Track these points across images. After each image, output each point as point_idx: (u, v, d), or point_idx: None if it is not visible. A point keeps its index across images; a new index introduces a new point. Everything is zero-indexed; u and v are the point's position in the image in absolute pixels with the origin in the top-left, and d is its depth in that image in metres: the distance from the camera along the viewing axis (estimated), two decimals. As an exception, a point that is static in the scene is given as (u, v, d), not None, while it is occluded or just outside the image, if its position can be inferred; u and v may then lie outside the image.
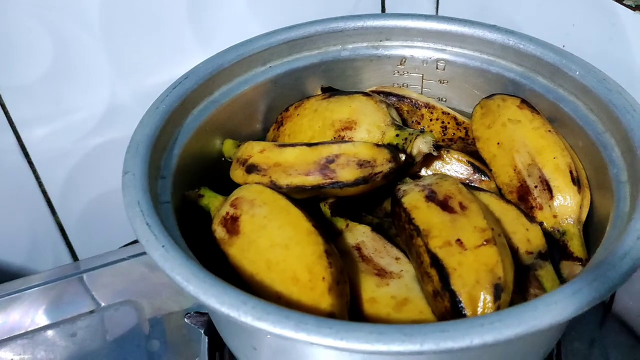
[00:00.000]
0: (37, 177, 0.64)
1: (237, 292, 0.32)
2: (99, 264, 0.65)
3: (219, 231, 0.42)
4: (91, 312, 0.60)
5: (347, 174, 0.43)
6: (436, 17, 0.54)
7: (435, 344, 0.29)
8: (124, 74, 0.62)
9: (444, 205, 0.40)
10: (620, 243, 0.34)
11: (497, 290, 0.35)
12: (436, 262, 0.37)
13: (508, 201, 0.45)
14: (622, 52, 0.50)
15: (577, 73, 0.47)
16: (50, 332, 0.58)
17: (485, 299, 0.35)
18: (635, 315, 0.54)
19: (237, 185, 0.45)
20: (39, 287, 0.62)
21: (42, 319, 0.59)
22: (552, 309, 0.30)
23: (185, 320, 0.54)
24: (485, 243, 0.37)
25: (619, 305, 0.55)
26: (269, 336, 0.32)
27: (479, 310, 0.35)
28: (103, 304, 0.61)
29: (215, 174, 0.50)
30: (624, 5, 0.49)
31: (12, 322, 0.59)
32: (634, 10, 0.48)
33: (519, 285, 0.42)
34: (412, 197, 0.41)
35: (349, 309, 0.38)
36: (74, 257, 0.71)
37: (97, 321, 0.59)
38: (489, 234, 0.37)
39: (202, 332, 0.54)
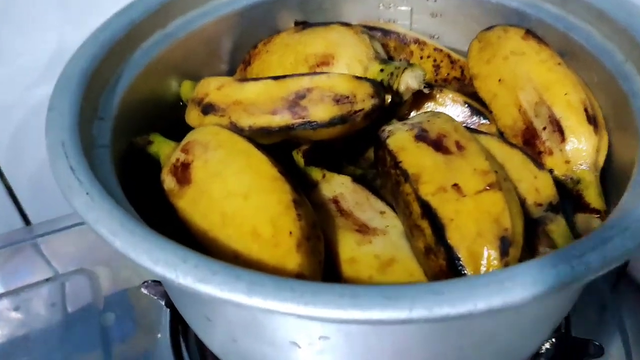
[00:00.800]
0: (-23, 134, 0.57)
1: (176, 247, 0.25)
2: (53, 229, 0.59)
3: (168, 181, 0.35)
4: (44, 281, 0.53)
5: (321, 111, 0.36)
6: (426, -62, 0.47)
7: (428, 309, 0.22)
8: (72, 13, 0.54)
9: (437, 145, 0.33)
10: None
11: (504, 245, 0.29)
12: (428, 211, 0.30)
13: (512, 145, 0.38)
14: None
15: (592, -5, 0.40)
16: (-4, 303, 0.52)
17: (489, 256, 0.28)
18: (652, 278, 0.48)
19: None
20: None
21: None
22: (579, 263, 0.24)
23: (143, 290, 0.47)
24: (488, 188, 0.30)
25: (634, 268, 0.49)
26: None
27: (482, 269, 0.28)
28: (55, 273, 0.54)
29: (173, 120, 0.43)
30: None
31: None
32: None
33: (526, 242, 0.35)
34: (398, 137, 0.34)
35: (324, 272, 0.32)
36: (26, 221, 0.64)
37: (48, 292, 0.52)
38: (493, 177, 0.31)
39: (163, 303, 0.47)
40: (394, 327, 0.26)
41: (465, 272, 0.28)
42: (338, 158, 0.42)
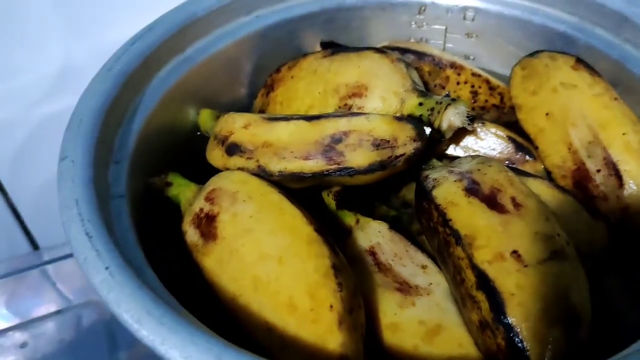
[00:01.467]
0: (-20, 153, 0.54)
1: (210, 341, 0.22)
2: (62, 255, 0.56)
3: (191, 234, 0.32)
4: (52, 314, 0.51)
5: (359, 157, 0.32)
6: (464, -47, 0.43)
7: None
8: (79, 27, 0.51)
9: (491, 201, 0.30)
10: None
11: (573, 325, 0.26)
12: (485, 283, 0.27)
13: (563, 190, 0.35)
14: None
15: (653, 23, 0.37)
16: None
17: (556, 338, 0.25)
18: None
19: (216, 171, 0.35)
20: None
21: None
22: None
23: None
24: (552, 257, 0.27)
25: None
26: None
27: (548, 354, 0.25)
28: (64, 304, 0.51)
29: (189, 154, 0.39)
30: None
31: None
32: None
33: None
34: (446, 189, 0.31)
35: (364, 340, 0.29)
36: (32, 242, 0.61)
37: (56, 326, 0.49)
38: (556, 242, 0.28)
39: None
40: None
41: (529, 355, 0.25)
42: (369, 196, 0.39)
